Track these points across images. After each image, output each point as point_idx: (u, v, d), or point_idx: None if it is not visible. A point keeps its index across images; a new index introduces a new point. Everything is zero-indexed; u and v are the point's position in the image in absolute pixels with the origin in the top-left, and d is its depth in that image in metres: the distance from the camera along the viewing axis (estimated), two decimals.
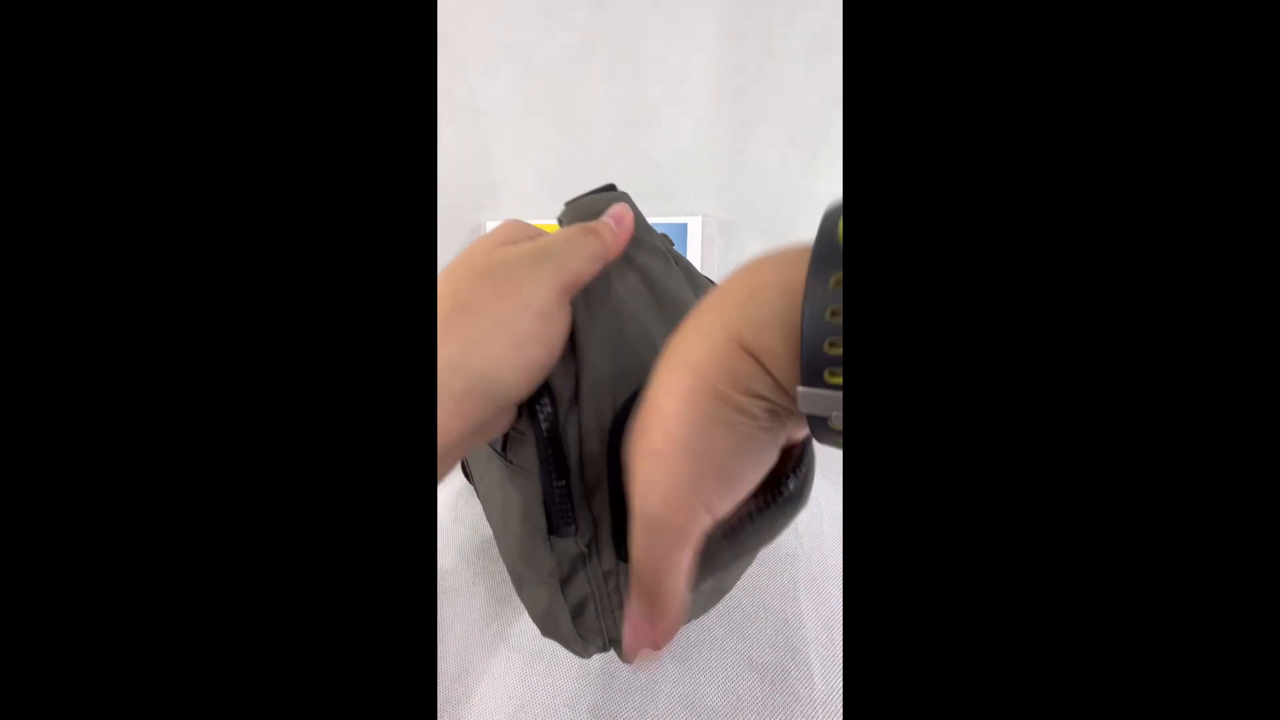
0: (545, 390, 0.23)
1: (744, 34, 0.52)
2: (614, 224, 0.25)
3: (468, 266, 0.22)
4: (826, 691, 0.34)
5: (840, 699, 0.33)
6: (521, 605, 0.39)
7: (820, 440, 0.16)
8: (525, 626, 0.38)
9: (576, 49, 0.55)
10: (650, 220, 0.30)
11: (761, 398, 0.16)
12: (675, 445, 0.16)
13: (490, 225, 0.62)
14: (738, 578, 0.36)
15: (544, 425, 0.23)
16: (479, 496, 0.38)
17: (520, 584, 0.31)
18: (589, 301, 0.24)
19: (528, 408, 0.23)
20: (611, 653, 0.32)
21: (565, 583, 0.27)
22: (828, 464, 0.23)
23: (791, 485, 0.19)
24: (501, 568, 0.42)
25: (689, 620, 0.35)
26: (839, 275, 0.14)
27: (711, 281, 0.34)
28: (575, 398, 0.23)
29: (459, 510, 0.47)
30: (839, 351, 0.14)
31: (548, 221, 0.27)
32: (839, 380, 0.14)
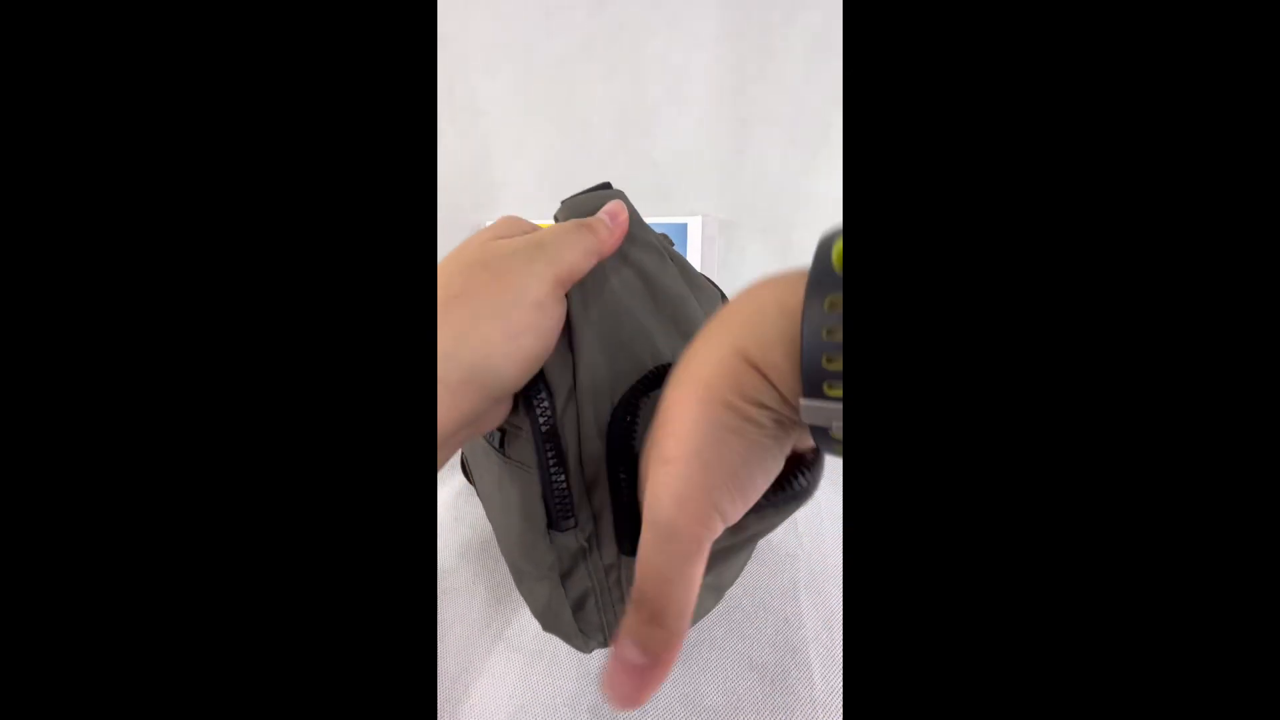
0: (542, 384, 0.23)
1: (744, 34, 0.52)
2: (609, 220, 0.25)
3: (463, 258, 0.22)
4: (826, 691, 0.34)
5: (840, 699, 0.33)
6: (521, 605, 0.39)
7: (823, 448, 0.17)
8: (525, 626, 0.38)
9: (576, 49, 0.55)
10: (650, 220, 0.30)
11: (767, 408, 0.16)
12: (688, 452, 0.17)
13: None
14: (736, 575, 0.36)
15: (541, 420, 0.23)
16: (479, 495, 0.38)
17: (521, 579, 0.31)
18: (585, 296, 0.24)
19: (524, 401, 0.23)
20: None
21: (566, 577, 0.27)
22: (828, 464, 0.23)
23: (800, 482, 0.19)
24: (501, 567, 0.42)
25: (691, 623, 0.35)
26: (833, 298, 0.15)
27: (708, 279, 0.34)
28: (573, 392, 0.23)
29: (459, 510, 0.47)
30: (836, 367, 0.15)
31: (548, 221, 0.28)
32: (838, 393, 0.15)
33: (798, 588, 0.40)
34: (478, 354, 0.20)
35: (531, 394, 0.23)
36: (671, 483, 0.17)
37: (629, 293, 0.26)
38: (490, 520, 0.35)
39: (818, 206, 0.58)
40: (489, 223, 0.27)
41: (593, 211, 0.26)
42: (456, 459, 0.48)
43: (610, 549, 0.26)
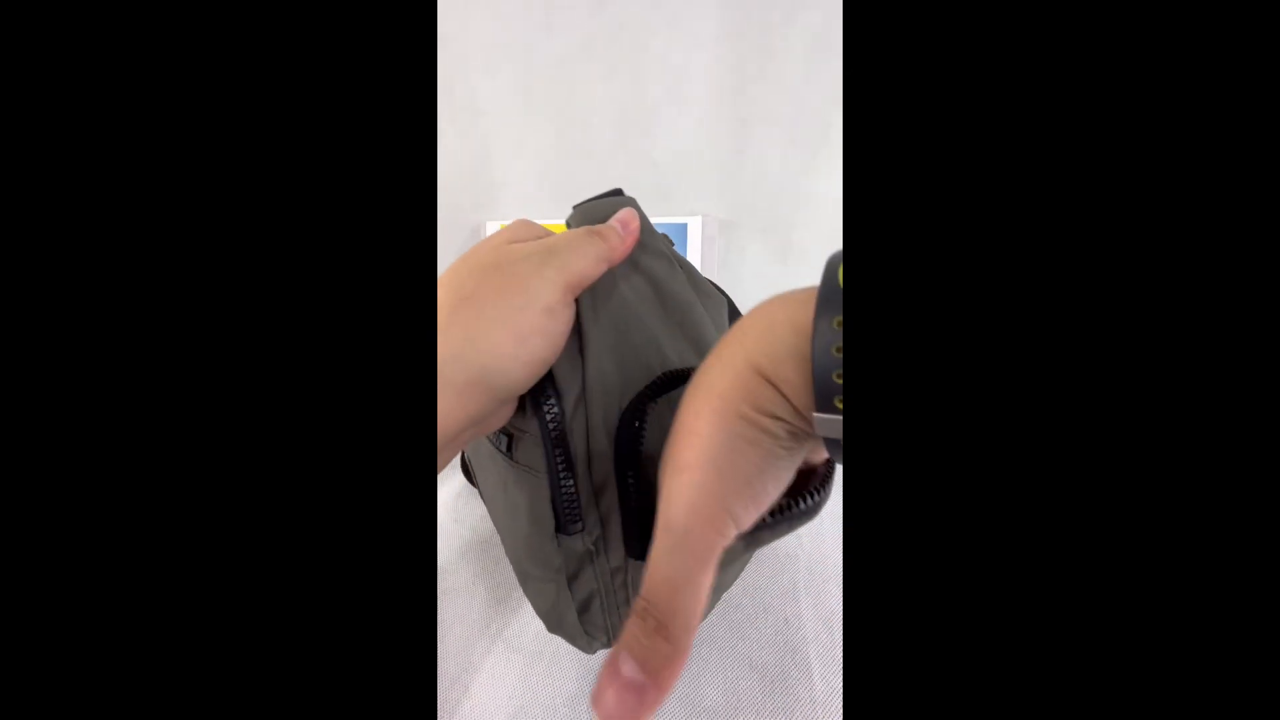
0: (550, 388, 0.23)
1: (744, 34, 0.52)
2: (620, 228, 0.26)
3: (475, 261, 0.22)
4: (826, 691, 0.34)
5: (840, 699, 0.33)
6: (521, 605, 0.39)
7: (836, 460, 0.17)
8: (525, 627, 0.38)
9: (576, 49, 0.55)
10: (650, 220, 0.30)
11: (781, 420, 0.17)
12: (703, 461, 0.17)
13: (490, 225, 0.62)
14: (735, 577, 0.36)
15: (551, 424, 0.23)
16: (482, 497, 0.38)
17: (526, 581, 0.31)
18: (594, 302, 0.24)
19: (532, 404, 0.23)
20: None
21: (572, 580, 0.27)
22: None
23: (809, 501, 0.20)
24: (501, 568, 0.42)
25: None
26: (840, 317, 0.15)
27: (713, 284, 0.34)
28: (581, 396, 0.24)
29: (459, 510, 0.47)
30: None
31: (549, 221, 0.28)
32: None
33: (798, 588, 0.40)
34: (486, 356, 0.20)
35: (540, 397, 0.23)
36: (686, 490, 0.17)
37: (639, 299, 0.26)
38: (494, 522, 0.35)
39: (818, 206, 0.58)
40: (489, 223, 0.27)
41: (605, 218, 0.26)
42: (457, 460, 0.48)
43: (617, 552, 0.26)
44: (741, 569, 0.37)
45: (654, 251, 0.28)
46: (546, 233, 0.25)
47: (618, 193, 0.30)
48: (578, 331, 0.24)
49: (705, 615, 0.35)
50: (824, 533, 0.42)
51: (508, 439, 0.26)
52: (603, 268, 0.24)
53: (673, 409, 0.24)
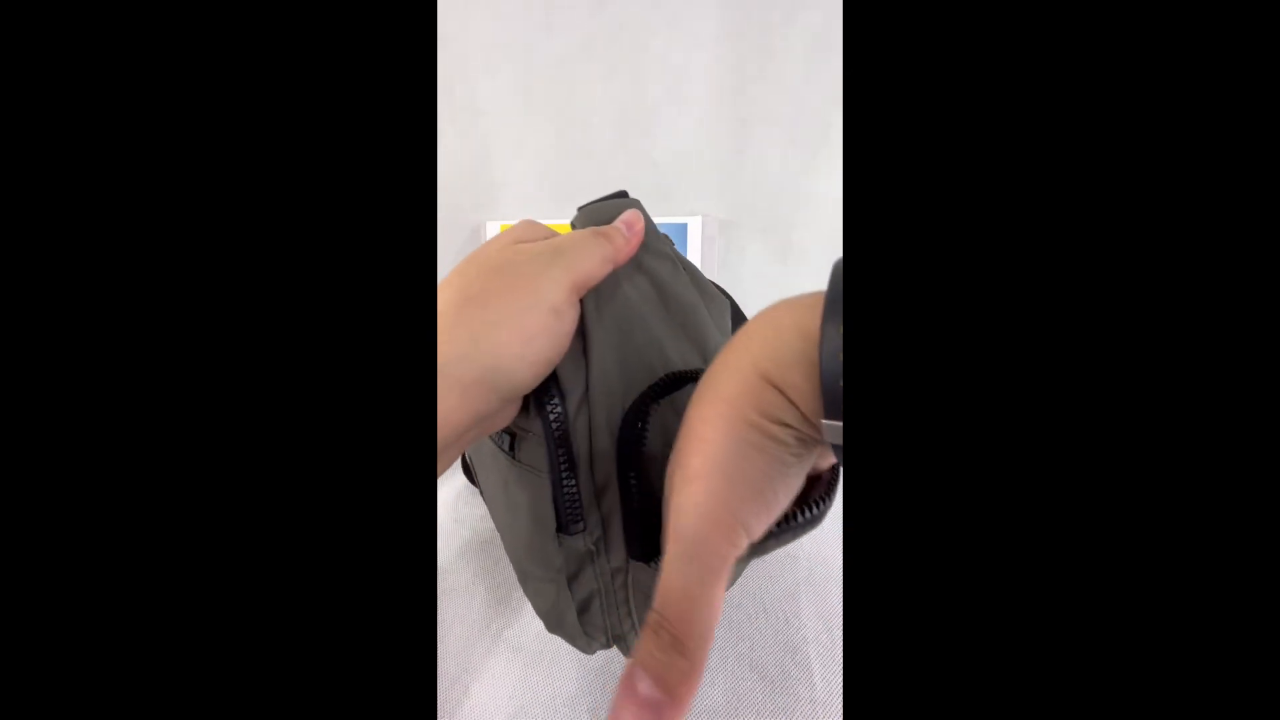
0: (554, 387, 0.23)
1: (744, 34, 0.52)
2: (625, 229, 0.26)
3: (481, 261, 0.23)
4: (826, 692, 0.34)
5: (840, 699, 0.33)
6: (521, 606, 0.39)
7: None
8: (525, 627, 0.38)
9: (576, 49, 0.55)
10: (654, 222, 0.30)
11: (789, 426, 0.17)
12: (712, 468, 0.17)
13: (490, 225, 0.62)
14: (735, 580, 0.36)
15: (554, 423, 0.23)
16: (483, 496, 0.38)
17: (526, 580, 0.31)
18: (599, 303, 0.24)
19: (536, 404, 0.24)
20: (612, 652, 0.32)
21: (572, 580, 0.27)
22: None
23: (813, 511, 0.20)
24: (501, 568, 0.42)
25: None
26: None
27: (717, 286, 0.34)
28: (585, 396, 0.24)
29: (459, 510, 0.47)
30: None
31: (550, 221, 0.28)
32: None
33: (798, 588, 0.40)
34: (492, 355, 0.20)
35: (543, 397, 0.23)
36: (697, 498, 0.17)
37: (642, 300, 0.26)
38: (495, 522, 0.35)
39: (818, 206, 0.58)
40: (489, 223, 0.27)
41: (610, 219, 0.26)
42: (457, 460, 0.48)
43: (618, 553, 0.26)
44: (740, 572, 0.37)
45: (658, 253, 0.28)
46: (552, 233, 0.25)
47: (622, 194, 0.30)
48: (582, 332, 0.24)
49: None
50: (824, 533, 0.42)
51: (510, 438, 0.26)
52: (608, 268, 0.24)
53: (675, 410, 0.24)
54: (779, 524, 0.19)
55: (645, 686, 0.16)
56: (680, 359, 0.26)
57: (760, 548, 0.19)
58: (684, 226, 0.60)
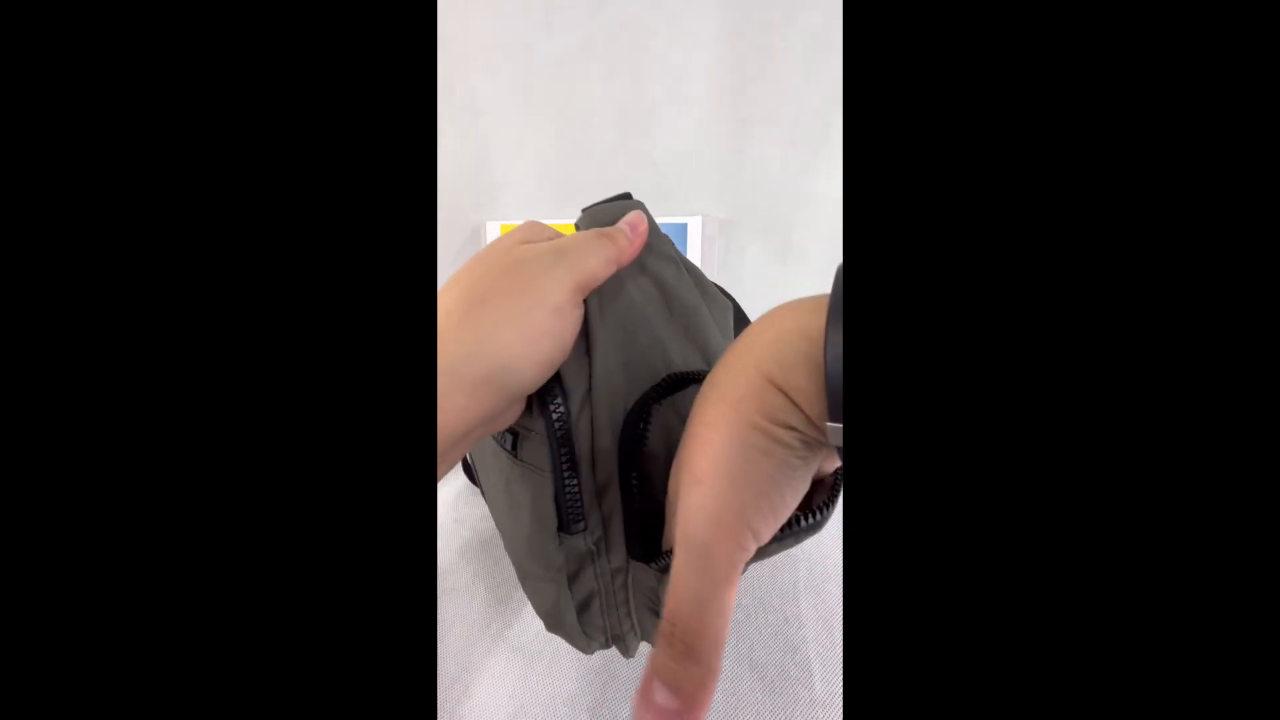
0: (557, 387, 0.23)
1: (744, 34, 0.52)
2: (629, 230, 0.26)
3: (487, 261, 0.23)
4: (826, 692, 0.34)
5: (840, 699, 0.33)
6: (521, 605, 0.39)
7: None
8: (525, 627, 0.38)
9: (576, 49, 0.54)
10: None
11: (794, 429, 0.17)
12: (718, 472, 0.17)
13: (490, 225, 0.62)
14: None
15: (557, 423, 0.23)
16: (484, 496, 0.38)
17: (526, 579, 0.31)
18: (602, 303, 0.25)
19: (539, 403, 0.24)
20: (612, 651, 0.32)
21: (572, 579, 0.28)
22: None
23: (816, 516, 0.20)
24: (501, 568, 0.42)
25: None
26: None
27: (720, 288, 0.34)
28: (587, 396, 0.24)
29: (459, 510, 0.47)
30: None
31: (550, 221, 0.28)
32: None
33: (798, 588, 0.40)
34: (498, 355, 0.20)
35: (546, 396, 0.23)
36: (705, 503, 0.17)
37: (645, 301, 0.26)
38: (495, 521, 0.35)
39: (818, 206, 0.58)
40: (489, 223, 0.27)
41: (613, 221, 0.26)
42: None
43: (619, 553, 0.26)
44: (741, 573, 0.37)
45: (661, 255, 0.28)
46: (556, 234, 0.25)
47: (626, 196, 0.30)
48: (585, 332, 0.24)
49: None
50: (824, 533, 0.42)
51: (513, 437, 0.26)
52: (611, 269, 0.24)
53: (677, 411, 0.24)
54: (783, 528, 0.19)
55: (662, 696, 0.16)
56: (683, 360, 0.26)
57: (763, 551, 0.19)
58: (684, 226, 0.60)
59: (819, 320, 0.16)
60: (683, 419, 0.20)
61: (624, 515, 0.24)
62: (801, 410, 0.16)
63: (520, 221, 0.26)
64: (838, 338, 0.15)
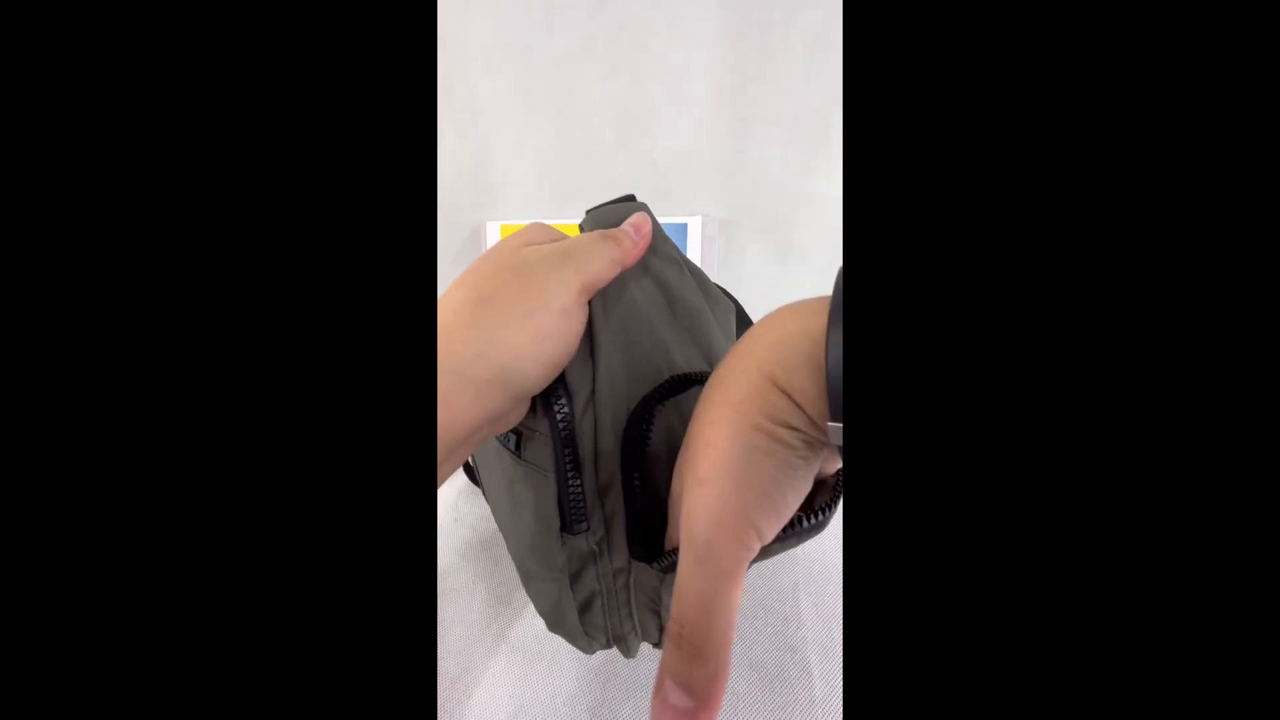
0: (562, 388, 0.24)
1: (744, 34, 0.52)
2: (633, 232, 0.26)
3: (493, 262, 0.23)
4: (826, 692, 0.34)
5: (840, 699, 0.33)
6: (521, 606, 0.39)
7: None
8: (525, 627, 0.38)
9: (576, 49, 0.55)
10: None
11: (796, 430, 0.17)
12: (722, 472, 0.17)
13: (490, 225, 0.62)
14: None
15: (561, 424, 0.23)
16: (486, 496, 0.38)
17: (528, 579, 0.31)
18: (606, 304, 0.25)
19: (543, 404, 0.24)
20: (613, 651, 0.32)
21: (574, 579, 0.28)
22: None
23: (820, 516, 0.20)
24: (501, 568, 0.42)
25: None
26: None
27: (723, 290, 0.34)
28: (591, 397, 0.24)
29: (459, 510, 0.47)
30: None
31: (551, 221, 0.28)
32: None
33: (797, 588, 0.40)
34: (506, 355, 0.21)
35: (551, 397, 0.23)
36: (708, 503, 0.17)
37: (649, 303, 0.26)
38: (497, 521, 0.35)
39: (818, 206, 0.58)
40: (489, 223, 0.27)
41: (618, 223, 0.27)
42: None
43: (621, 553, 0.26)
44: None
45: (665, 257, 0.29)
46: (561, 236, 0.25)
47: (630, 198, 0.30)
48: (589, 333, 0.24)
49: None
50: (824, 533, 0.42)
51: (516, 438, 0.26)
52: (616, 270, 0.24)
53: (679, 412, 0.24)
54: (785, 528, 0.19)
55: (676, 696, 0.17)
56: (685, 362, 0.26)
57: (766, 550, 0.19)
58: (684, 226, 0.60)
59: (821, 321, 0.16)
60: (685, 420, 0.20)
61: (626, 516, 0.25)
62: (803, 411, 0.17)
63: (520, 221, 0.26)
64: (838, 338, 0.15)
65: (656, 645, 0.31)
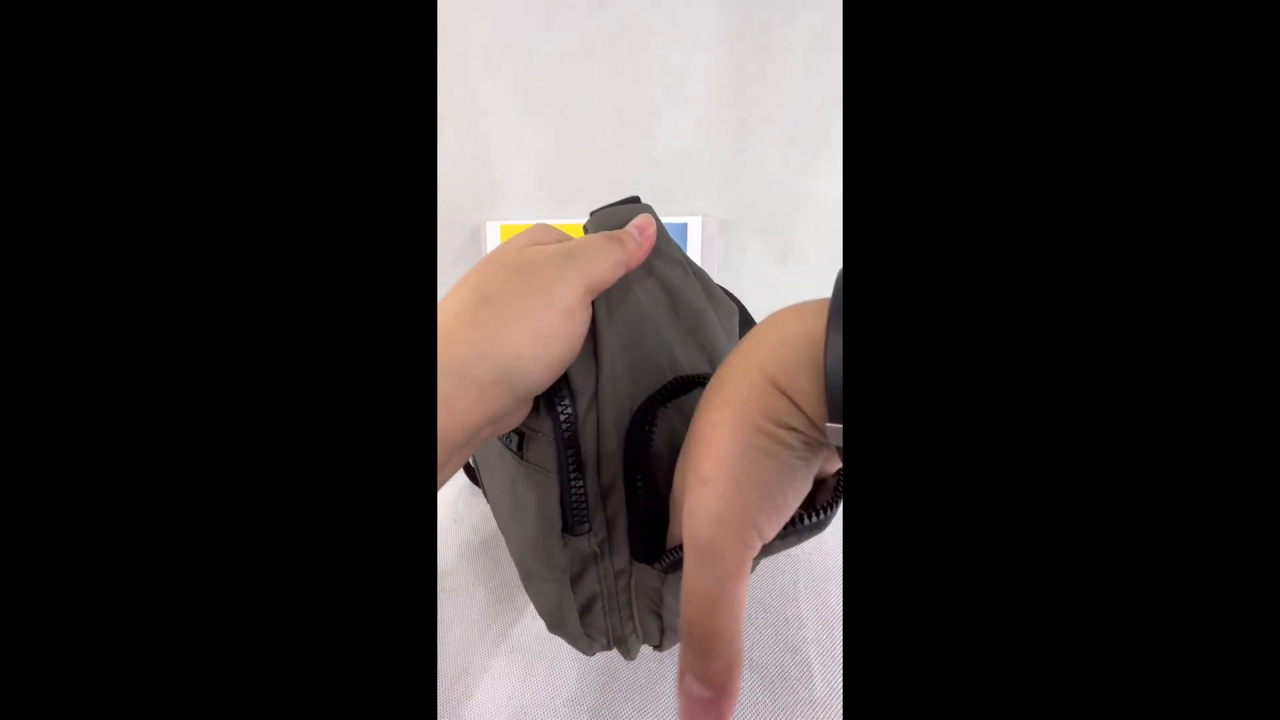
0: (565, 389, 0.24)
1: (744, 34, 0.52)
2: (637, 234, 0.26)
3: (497, 263, 0.23)
4: (826, 692, 0.34)
5: (840, 699, 0.33)
6: (522, 606, 0.39)
7: None
8: (526, 627, 0.38)
9: (576, 49, 0.55)
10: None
11: (796, 430, 0.17)
12: (723, 472, 0.17)
13: (490, 225, 0.62)
14: None
15: (564, 425, 0.23)
16: (486, 497, 0.38)
17: (529, 580, 0.31)
18: (610, 305, 0.25)
19: (547, 404, 0.24)
20: (613, 653, 0.32)
21: (576, 580, 0.28)
22: None
23: (820, 516, 0.20)
24: (501, 568, 0.42)
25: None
26: None
27: (726, 291, 0.34)
28: (594, 398, 0.24)
29: (459, 510, 0.47)
30: None
31: (552, 221, 0.28)
32: None
33: (797, 588, 0.40)
34: (509, 355, 0.21)
35: (554, 397, 0.23)
36: (710, 503, 0.17)
37: (652, 304, 0.26)
38: (498, 521, 0.35)
39: (818, 206, 0.58)
40: (489, 223, 0.27)
41: (622, 224, 0.27)
42: None
43: (622, 554, 0.26)
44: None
45: (668, 258, 0.29)
46: (566, 236, 0.25)
47: (635, 200, 0.30)
48: (592, 334, 0.24)
49: None
50: (824, 533, 0.42)
51: (518, 438, 0.26)
52: (620, 271, 0.24)
53: (681, 414, 0.24)
54: (787, 526, 0.19)
55: (695, 688, 0.18)
56: (688, 363, 0.26)
57: (767, 548, 0.19)
58: (684, 226, 0.60)
59: (822, 323, 0.16)
60: (687, 421, 0.20)
61: (628, 517, 0.25)
62: (803, 412, 0.17)
63: (520, 221, 0.26)
64: (837, 340, 0.15)
65: (657, 647, 0.31)
